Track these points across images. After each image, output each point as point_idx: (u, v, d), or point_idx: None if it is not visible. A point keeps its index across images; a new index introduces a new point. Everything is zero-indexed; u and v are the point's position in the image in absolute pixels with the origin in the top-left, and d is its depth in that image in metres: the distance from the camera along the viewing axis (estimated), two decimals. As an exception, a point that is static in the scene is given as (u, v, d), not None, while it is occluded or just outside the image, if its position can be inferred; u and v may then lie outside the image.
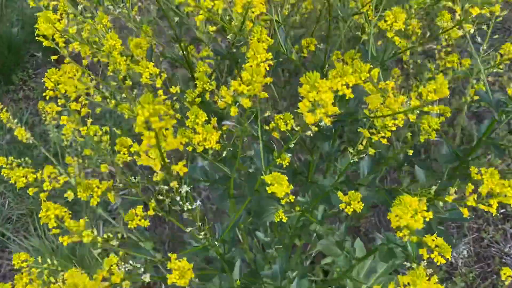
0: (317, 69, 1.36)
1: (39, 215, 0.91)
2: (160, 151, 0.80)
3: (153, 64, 1.15)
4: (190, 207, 0.96)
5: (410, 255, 1.26)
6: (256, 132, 1.46)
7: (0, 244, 3.22)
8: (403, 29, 1.07)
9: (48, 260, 1.47)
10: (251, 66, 1.00)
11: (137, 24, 1.50)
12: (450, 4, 1.14)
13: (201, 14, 0.97)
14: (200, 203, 0.99)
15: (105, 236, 1.41)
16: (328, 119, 0.88)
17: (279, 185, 0.96)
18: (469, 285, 2.82)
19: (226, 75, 1.95)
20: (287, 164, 1.28)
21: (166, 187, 0.89)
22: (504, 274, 2.40)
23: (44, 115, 2.84)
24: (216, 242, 1.25)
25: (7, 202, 3.40)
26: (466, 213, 0.93)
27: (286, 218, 1.45)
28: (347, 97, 0.91)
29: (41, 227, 3.12)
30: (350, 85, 0.88)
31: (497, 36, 1.39)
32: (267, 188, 0.98)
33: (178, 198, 0.92)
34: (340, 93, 0.90)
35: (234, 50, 1.16)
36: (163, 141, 0.77)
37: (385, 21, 1.06)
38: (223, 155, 1.34)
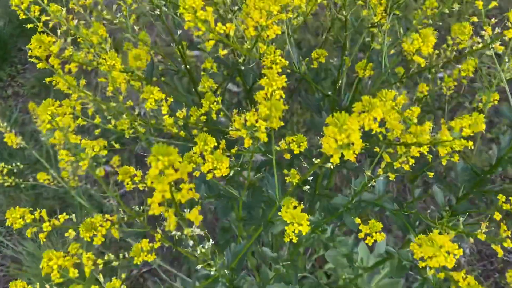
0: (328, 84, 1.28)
1: (40, 265, 0.84)
2: (174, 203, 0.73)
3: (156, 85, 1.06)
4: (203, 250, 0.89)
5: (428, 281, 1.21)
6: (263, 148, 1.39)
7: (-7, 249, 3.14)
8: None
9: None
10: (266, 94, 0.92)
11: (135, 35, 1.40)
12: (475, 19, 1.07)
13: (211, 39, 0.89)
14: (212, 242, 0.92)
15: (106, 257, 1.34)
16: (354, 156, 0.81)
17: (298, 224, 0.89)
18: (472, 284, 2.80)
19: (228, 82, 1.86)
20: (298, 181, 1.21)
21: (179, 233, 0.82)
22: (510, 276, 2.39)
23: (34, 117, 2.74)
24: (226, 271, 1.19)
25: (-1, 204, 3.31)
26: (501, 252, 0.87)
27: (296, 238, 1.39)
28: (373, 132, 0.84)
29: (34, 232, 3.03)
30: (378, 119, 0.80)
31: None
32: (286, 228, 0.91)
33: (191, 243, 0.85)
34: (366, 128, 0.83)
35: (242, 68, 1.08)
36: (178, 193, 0.70)
37: (411, 44, 0.98)
38: (231, 174, 1.27)
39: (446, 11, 1.25)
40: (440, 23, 1.40)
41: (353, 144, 0.77)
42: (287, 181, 1.26)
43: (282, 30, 1.07)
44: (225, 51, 0.94)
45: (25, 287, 1.30)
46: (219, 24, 0.88)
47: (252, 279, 2.68)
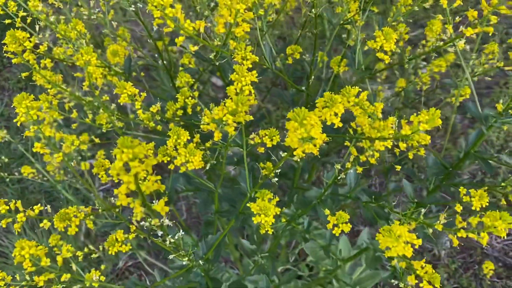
0: (301, 80, 1.31)
1: (13, 254, 0.86)
2: (141, 193, 0.75)
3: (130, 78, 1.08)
4: (172, 240, 0.92)
5: (397, 271, 1.26)
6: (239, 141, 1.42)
7: (-21, 243, 3.14)
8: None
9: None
10: (235, 89, 0.95)
11: (113, 30, 1.42)
12: (440, 17, 1.10)
13: (181, 35, 0.91)
14: (183, 233, 0.95)
15: (86, 250, 1.37)
16: (316, 150, 0.84)
17: (265, 215, 0.92)
18: (452, 276, 2.87)
19: (209, 75, 1.89)
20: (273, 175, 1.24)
21: (147, 223, 0.85)
22: (486, 268, 2.45)
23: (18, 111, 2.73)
24: (200, 261, 1.22)
25: (-16, 198, 3.31)
26: (456, 242, 0.91)
27: (272, 230, 1.43)
28: (335, 126, 0.87)
29: (22, 225, 3.04)
30: (339, 114, 0.84)
31: (485, 45, 1.36)
32: (253, 219, 0.94)
33: (160, 233, 0.88)
34: (328, 123, 0.86)
35: (217, 64, 1.10)
36: (143, 183, 0.73)
37: (375, 41, 1.01)
38: (207, 168, 1.30)
39: (416, 8, 1.29)
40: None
41: (314, 138, 0.81)
42: (263, 173, 1.29)
43: (255, 27, 1.09)
44: (196, 47, 0.97)
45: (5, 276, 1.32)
46: (188, 21, 0.91)
47: (235, 272, 2.72)
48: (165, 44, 1.62)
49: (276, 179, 1.03)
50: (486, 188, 1.25)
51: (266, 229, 1.43)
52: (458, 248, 3.00)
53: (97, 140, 1.57)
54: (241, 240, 1.73)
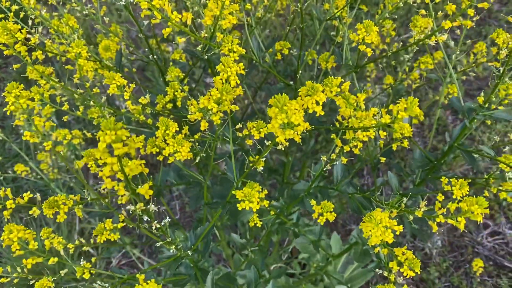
0: (290, 74, 1.34)
1: (1, 237, 0.88)
2: (125, 176, 0.78)
3: (122, 74, 1.11)
4: (158, 225, 0.94)
5: (382, 261, 1.28)
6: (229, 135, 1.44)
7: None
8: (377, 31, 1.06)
9: (18, 269, 1.43)
10: (221, 79, 0.97)
11: (105, 26, 1.45)
12: (423, 12, 1.13)
13: (168, 27, 0.94)
14: (169, 219, 0.97)
15: (77, 242, 1.38)
16: (299, 137, 0.87)
17: (249, 202, 0.94)
18: (443, 274, 2.89)
19: (203, 74, 1.91)
20: (262, 167, 1.27)
21: (132, 207, 0.87)
22: (476, 265, 2.48)
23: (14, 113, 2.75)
24: (189, 251, 1.23)
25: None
26: (435, 228, 0.94)
27: (261, 223, 1.45)
28: (317, 115, 0.89)
29: (15, 222, 3.04)
30: (321, 103, 0.86)
31: (469, 41, 1.39)
32: (237, 205, 0.96)
33: (145, 218, 0.90)
34: (310, 111, 0.88)
35: (206, 57, 1.13)
36: (127, 166, 0.75)
37: (357, 34, 1.04)
38: (196, 160, 1.32)
39: (401, 4, 1.32)
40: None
41: (298, 125, 0.83)
42: (252, 167, 1.31)
43: (246, 23, 1.12)
44: (183, 39, 0.99)
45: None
46: (175, 13, 0.93)
47: (228, 269, 2.73)
48: (157, 42, 1.64)
49: (261, 168, 1.05)
50: (470, 180, 1.28)
51: (255, 222, 1.46)
52: (449, 246, 3.03)
53: (89, 135, 1.60)
54: (232, 235, 1.74)
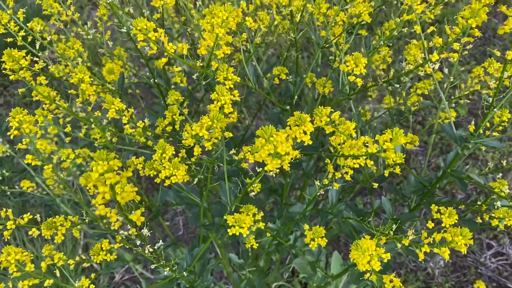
0: (286, 99, 1.37)
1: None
2: (118, 203, 0.81)
3: (125, 97, 1.15)
4: (152, 249, 0.97)
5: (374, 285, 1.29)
6: (228, 157, 1.48)
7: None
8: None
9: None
10: (215, 107, 1.01)
11: (109, 50, 1.50)
12: (415, 42, 1.16)
13: (164, 57, 0.98)
14: (162, 243, 1.00)
15: (77, 259, 1.41)
16: (287, 165, 0.89)
17: (239, 227, 0.97)
18: (445, 295, 2.87)
19: (206, 94, 1.95)
20: (258, 190, 1.29)
21: (125, 232, 0.90)
22: (478, 287, 2.46)
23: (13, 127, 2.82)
24: (184, 273, 1.26)
25: (-14, 210, 3.37)
26: (421, 256, 0.95)
27: (257, 244, 1.47)
28: (306, 144, 0.92)
29: (20, 235, 3.10)
30: (308, 133, 0.89)
31: (462, 68, 1.41)
32: (228, 230, 0.99)
33: (138, 242, 0.93)
34: (298, 140, 0.91)
35: (204, 82, 1.17)
36: (119, 194, 0.78)
37: (347, 66, 1.07)
38: (194, 182, 1.35)
39: (396, 33, 1.35)
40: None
41: (286, 153, 0.86)
42: (249, 189, 1.34)
43: (245, 49, 1.15)
44: (179, 68, 1.03)
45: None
46: (170, 44, 0.97)
47: (229, 287, 2.74)
48: (162, 65, 1.69)
49: (254, 193, 1.07)
50: (463, 206, 1.29)
51: (252, 244, 1.48)
52: (452, 267, 3.01)
53: (92, 154, 1.64)
54: (230, 255, 1.76)
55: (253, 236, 1.49)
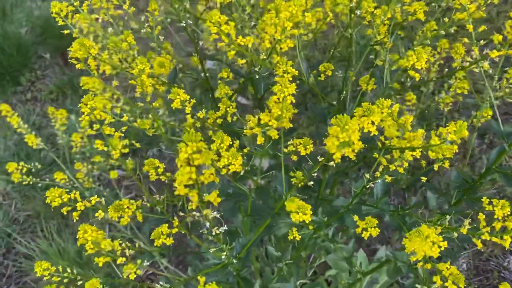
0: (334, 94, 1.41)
1: (77, 236, 0.96)
2: (197, 184, 0.85)
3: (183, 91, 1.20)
4: (218, 232, 1.01)
5: (420, 276, 1.32)
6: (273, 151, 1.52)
7: (7, 245, 3.26)
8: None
9: (68, 269, 1.50)
10: (278, 99, 1.05)
11: (160, 43, 1.54)
12: (466, 40, 1.20)
13: (232, 49, 1.02)
14: (226, 228, 1.04)
15: (124, 245, 1.46)
16: (353, 155, 0.93)
17: (302, 214, 1.01)
18: (468, 299, 2.88)
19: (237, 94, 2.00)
20: (302, 184, 1.33)
21: (198, 213, 0.94)
22: (503, 290, 2.47)
23: (53, 120, 2.88)
24: (234, 260, 1.30)
25: (14, 202, 3.44)
26: (479, 245, 0.98)
27: (299, 237, 1.51)
28: (372, 134, 0.96)
29: (48, 229, 3.16)
30: (376, 123, 0.93)
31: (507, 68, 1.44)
32: (291, 215, 1.03)
33: (207, 224, 0.97)
34: (365, 130, 0.95)
35: (257, 76, 1.21)
36: (203, 175, 0.83)
37: (408, 60, 1.11)
38: (241, 173, 1.39)
39: (443, 32, 1.38)
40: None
41: (353, 143, 0.90)
42: (292, 182, 1.38)
43: (293, 44, 1.20)
44: (244, 61, 1.08)
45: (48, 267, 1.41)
46: (240, 37, 1.02)
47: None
48: (201, 61, 1.74)
49: (312, 182, 1.11)
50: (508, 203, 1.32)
51: (294, 236, 1.52)
52: (475, 270, 3.02)
53: (137, 145, 1.69)
54: (268, 247, 1.80)
55: (295, 229, 1.53)
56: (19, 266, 3.13)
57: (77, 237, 0.97)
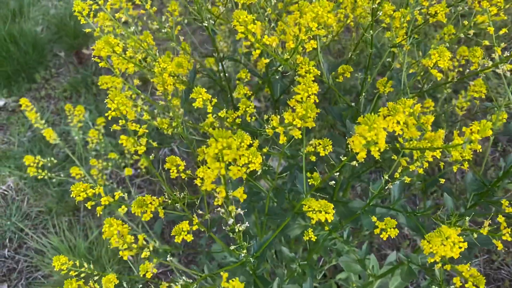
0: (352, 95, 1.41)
1: (102, 230, 0.98)
2: (224, 180, 0.86)
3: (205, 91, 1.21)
4: (240, 228, 1.02)
5: (436, 278, 1.32)
6: (290, 153, 1.53)
7: (18, 240, 3.29)
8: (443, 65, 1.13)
9: (85, 264, 1.51)
10: (301, 98, 1.06)
11: (179, 43, 1.56)
12: (486, 42, 1.21)
13: (257, 48, 1.04)
14: (248, 224, 1.06)
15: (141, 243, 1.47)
16: (378, 154, 0.94)
17: (325, 212, 1.02)
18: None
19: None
20: (319, 184, 1.35)
21: (222, 210, 0.95)
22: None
23: (70, 117, 2.91)
24: (251, 259, 1.31)
25: (26, 198, 3.47)
26: (500, 246, 0.99)
27: (315, 237, 1.52)
28: (396, 133, 0.97)
29: (60, 225, 3.18)
30: (401, 122, 0.94)
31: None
32: (312, 215, 1.04)
33: (231, 221, 0.98)
34: (390, 130, 0.96)
35: (277, 77, 1.22)
36: (231, 170, 0.84)
37: (430, 59, 1.12)
38: (258, 173, 1.41)
39: (462, 35, 1.39)
40: (456, 46, 1.53)
41: (377, 142, 0.91)
42: (309, 183, 1.39)
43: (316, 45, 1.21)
44: (267, 60, 1.09)
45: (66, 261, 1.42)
46: (266, 36, 1.03)
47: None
48: (221, 61, 1.75)
49: (333, 182, 1.12)
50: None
51: (310, 236, 1.53)
52: (486, 278, 3.00)
53: (154, 144, 1.71)
54: (282, 248, 1.81)
55: (311, 229, 1.54)
56: (30, 262, 3.16)
57: (102, 230, 0.98)
